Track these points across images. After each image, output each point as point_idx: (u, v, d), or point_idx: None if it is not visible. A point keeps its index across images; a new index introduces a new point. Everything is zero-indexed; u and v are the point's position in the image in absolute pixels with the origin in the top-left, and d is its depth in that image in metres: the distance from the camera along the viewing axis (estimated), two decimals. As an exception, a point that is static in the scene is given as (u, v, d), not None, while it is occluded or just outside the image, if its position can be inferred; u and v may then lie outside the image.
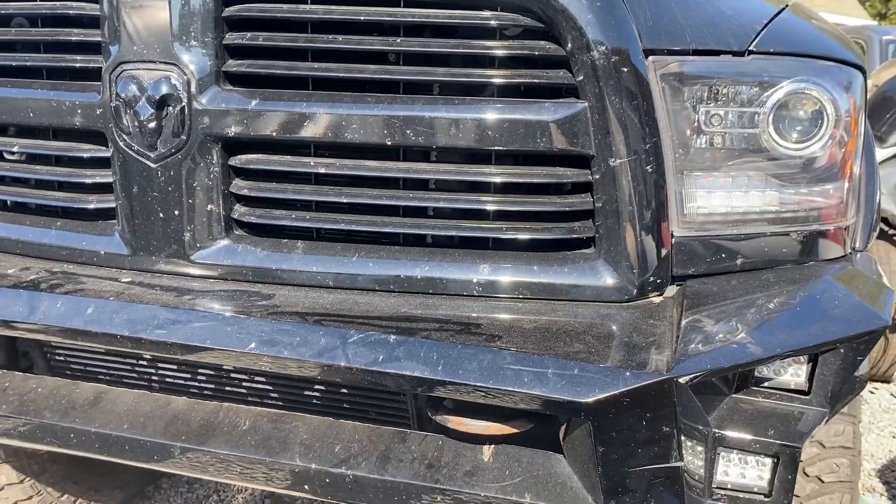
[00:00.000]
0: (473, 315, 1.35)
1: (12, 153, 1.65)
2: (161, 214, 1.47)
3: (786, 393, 1.46)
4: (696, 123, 1.38)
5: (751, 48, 1.40)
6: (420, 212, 1.46)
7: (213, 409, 1.52)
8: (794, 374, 1.47)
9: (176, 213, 1.46)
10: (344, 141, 1.38)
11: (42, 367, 1.79)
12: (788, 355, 1.31)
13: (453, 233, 1.40)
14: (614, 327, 1.33)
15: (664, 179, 1.37)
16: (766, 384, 1.47)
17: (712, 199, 1.44)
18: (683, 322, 1.31)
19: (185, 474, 1.49)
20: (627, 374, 1.19)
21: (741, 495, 1.44)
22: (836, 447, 1.78)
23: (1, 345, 1.75)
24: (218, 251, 1.48)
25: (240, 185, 1.46)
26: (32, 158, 1.63)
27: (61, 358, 1.77)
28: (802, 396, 1.45)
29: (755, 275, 1.49)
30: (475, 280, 1.40)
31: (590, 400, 1.17)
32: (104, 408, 1.55)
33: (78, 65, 1.50)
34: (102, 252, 1.54)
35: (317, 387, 1.58)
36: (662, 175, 1.36)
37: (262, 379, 1.60)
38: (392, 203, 1.41)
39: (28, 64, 1.54)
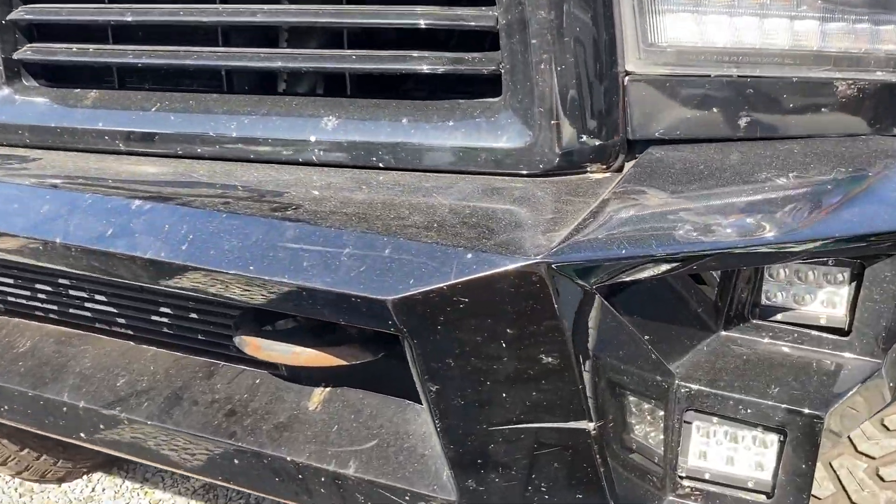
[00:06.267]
0: (280, 183, 0.88)
1: None
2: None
3: (810, 331, 0.90)
4: None
5: None
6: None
7: (-2, 325, 1.14)
8: (827, 301, 0.90)
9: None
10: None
11: None
12: (788, 256, 0.76)
13: (277, 64, 0.93)
14: (491, 204, 0.82)
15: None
16: (778, 316, 0.91)
17: (700, 20, 0.89)
18: (605, 197, 0.79)
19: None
20: (468, 255, 0.68)
21: (728, 492, 0.89)
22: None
23: None
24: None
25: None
26: None
27: None
28: (837, 337, 0.89)
29: (770, 145, 0.93)
30: (313, 140, 0.93)
31: (397, 296, 0.67)
32: None
33: None
34: None
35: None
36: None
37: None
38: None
39: None
